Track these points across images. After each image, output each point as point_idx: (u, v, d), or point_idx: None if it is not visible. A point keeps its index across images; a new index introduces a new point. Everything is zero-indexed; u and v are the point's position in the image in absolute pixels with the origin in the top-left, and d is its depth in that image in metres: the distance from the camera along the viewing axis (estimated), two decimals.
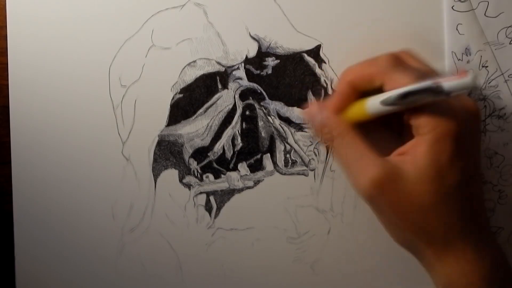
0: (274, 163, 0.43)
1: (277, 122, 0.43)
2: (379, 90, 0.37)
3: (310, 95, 0.43)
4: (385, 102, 0.36)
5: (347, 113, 0.39)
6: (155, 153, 0.43)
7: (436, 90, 0.34)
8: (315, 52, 0.42)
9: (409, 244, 0.38)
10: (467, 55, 0.42)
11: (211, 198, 0.43)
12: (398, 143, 0.38)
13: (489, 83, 0.42)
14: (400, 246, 0.39)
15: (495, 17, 0.42)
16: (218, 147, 0.43)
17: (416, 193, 0.35)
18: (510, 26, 0.42)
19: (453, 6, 0.42)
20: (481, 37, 0.42)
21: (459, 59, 0.42)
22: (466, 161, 0.36)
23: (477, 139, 0.38)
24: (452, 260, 0.36)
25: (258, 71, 0.43)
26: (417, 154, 0.36)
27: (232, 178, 0.43)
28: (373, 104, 0.37)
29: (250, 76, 0.43)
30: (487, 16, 0.42)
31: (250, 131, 0.43)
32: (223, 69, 0.43)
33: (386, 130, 0.40)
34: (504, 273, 0.37)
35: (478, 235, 0.36)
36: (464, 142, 0.36)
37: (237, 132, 0.43)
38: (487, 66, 0.42)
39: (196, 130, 0.43)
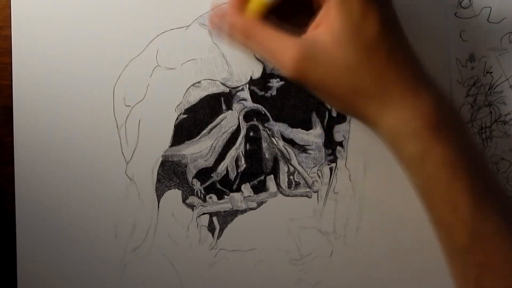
0: (278, 185, 0.43)
1: (281, 143, 0.43)
2: None
3: (314, 117, 0.43)
4: None
5: (250, 7, 0.38)
6: (158, 173, 0.43)
7: None
8: None
9: (350, 109, 0.38)
10: (471, 61, 0.42)
11: (214, 219, 0.43)
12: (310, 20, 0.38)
13: (494, 89, 0.42)
14: (344, 113, 0.40)
15: (498, 22, 0.42)
16: (221, 168, 0.43)
17: (339, 58, 0.35)
18: None
19: (456, 12, 0.42)
20: (485, 43, 0.42)
21: (463, 66, 0.42)
22: (378, 13, 0.35)
23: None
24: (392, 110, 0.36)
25: (263, 93, 0.43)
26: (328, 21, 0.36)
27: (236, 199, 0.43)
28: None
29: (254, 97, 0.43)
30: (490, 22, 0.42)
31: (254, 152, 0.43)
32: (227, 90, 0.43)
33: (298, 12, 0.40)
34: (449, 112, 0.37)
35: (414, 81, 0.36)
36: None
37: (241, 153, 0.43)
38: (491, 72, 0.42)
39: (200, 150, 0.43)
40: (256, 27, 0.37)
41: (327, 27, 0.36)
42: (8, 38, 0.42)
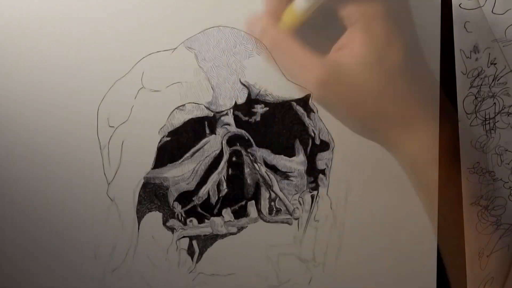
0: (259, 211, 0.43)
1: (263, 169, 0.43)
2: None
3: (298, 144, 0.43)
4: None
5: (283, 19, 0.39)
6: (140, 195, 0.43)
7: None
8: (304, 101, 0.42)
9: (369, 131, 0.39)
10: (475, 52, 0.42)
11: (194, 242, 0.43)
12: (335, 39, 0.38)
13: (497, 80, 0.42)
14: (360, 134, 0.39)
15: (503, 14, 0.41)
16: (203, 192, 0.43)
17: (362, 81, 0.36)
18: None
19: (461, 4, 0.42)
20: (489, 34, 0.42)
21: (467, 57, 0.42)
22: (402, 39, 0.36)
23: (408, 15, 0.38)
24: (415, 137, 0.37)
25: (247, 118, 0.43)
26: (353, 44, 0.36)
27: (216, 224, 0.43)
28: (299, 2, 0.37)
29: (238, 122, 0.42)
30: (494, 13, 0.42)
31: (236, 177, 0.43)
32: (211, 114, 0.42)
33: (323, 30, 0.40)
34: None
35: (435, 109, 0.37)
36: (396, 20, 0.36)
37: (223, 177, 0.43)
38: (495, 64, 0.42)
39: (182, 174, 0.43)
40: (286, 38, 0.38)
41: (352, 50, 0.36)
42: None
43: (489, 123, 0.43)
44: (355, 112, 0.37)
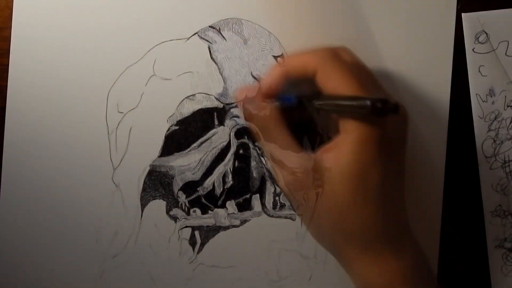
0: (263, 204, 0.43)
1: (269, 163, 0.43)
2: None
3: (306, 141, 0.43)
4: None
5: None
6: (144, 183, 0.43)
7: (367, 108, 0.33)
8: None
9: (328, 242, 0.38)
10: (491, 96, 0.42)
11: (196, 233, 0.43)
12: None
13: None
14: (319, 244, 0.39)
15: None
16: (208, 182, 0.43)
17: (336, 191, 0.36)
18: None
19: (474, 48, 0.42)
20: (504, 77, 0.42)
21: (483, 101, 0.42)
22: (387, 164, 0.36)
23: (402, 142, 0.38)
24: (370, 260, 0.37)
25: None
26: (340, 151, 0.36)
27: (219, 215, 0.43)
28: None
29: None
30: (508, 56, 0.42)
31: (242, 170, 0.43)
32: (221, 105, 0.42)
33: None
34: (422, 274, 0.38)
35: (397, 235, 0.37)
36: (389, 145, 0.36)
37: (228, 169, 0.43)
38: None
39: (188, 163, 0.42)
40: (276, 122, 0.39)
41: (337, 156, 0.36)
42: (8, 39, 0.42)
43: (508, 165, 0.43)
44: (321, 218, 0.37)
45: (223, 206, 0.43)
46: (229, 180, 0.43)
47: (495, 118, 0.43)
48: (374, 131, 0.36)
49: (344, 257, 0.38)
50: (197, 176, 0.43)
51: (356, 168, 0.36)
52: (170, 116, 0.42)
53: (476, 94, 0.42)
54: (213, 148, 0.42)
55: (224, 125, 0.42)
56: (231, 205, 0.43)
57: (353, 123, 0.36)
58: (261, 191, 0.43)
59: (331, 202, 0.36)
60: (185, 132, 0.42)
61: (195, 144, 0.42)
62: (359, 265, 0.37)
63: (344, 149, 0.36)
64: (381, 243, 0.37)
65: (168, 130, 0.42)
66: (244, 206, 0.43)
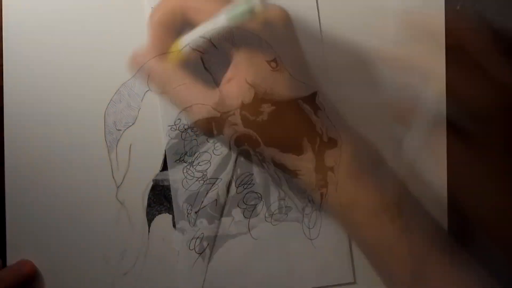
0: (268, 210, 0.43)
1: (271, 168, 0.43)
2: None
3: (306, 142, 0.43)
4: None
5: (170, 57, 0.39)
6: (149, 198, 0.43)
7: None
8: (311, 99, 0.42)
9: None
10: None
11: (204, 243, 0.43)
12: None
13: None
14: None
15: None
16: (212, 192, 0.43)
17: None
18: None
19: None
20: None
21: None
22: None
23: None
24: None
25: (254, 117, 0.42)
26: (240, 78, 0.37)
27: (226, 224, 0.43)
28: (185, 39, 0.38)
29: (245, 122, 0.42)
30: None
31: (244, 177, 0.43)
32: (218, 114, 0.42)
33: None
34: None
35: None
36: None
37: (231, 178, 0.43)
38: None
39: (191, 175, 0.42)
40: (175, 75, 0.38)
41: (238, 82, 0.37)
42: None
43: None
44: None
45: (229, 214, 0.43)
46: (233, 188, 0.43)
47: None
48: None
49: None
50: (201, 187, 0.43)
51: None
52: (168, 130, 0.42)
53: None
54: (214, 157, 0.42)
55: (223, 134, 0.42)
56: (237, 213, 0.43)
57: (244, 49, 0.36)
58: (266, 197, 0.43)
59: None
60: (185, 144, 0.42)
61: (196, 155, 0.42)
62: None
63: (241, 71, 0.37)
64: None
65: (167, 143, 0.42)
66: (250, 212, 0.43)
